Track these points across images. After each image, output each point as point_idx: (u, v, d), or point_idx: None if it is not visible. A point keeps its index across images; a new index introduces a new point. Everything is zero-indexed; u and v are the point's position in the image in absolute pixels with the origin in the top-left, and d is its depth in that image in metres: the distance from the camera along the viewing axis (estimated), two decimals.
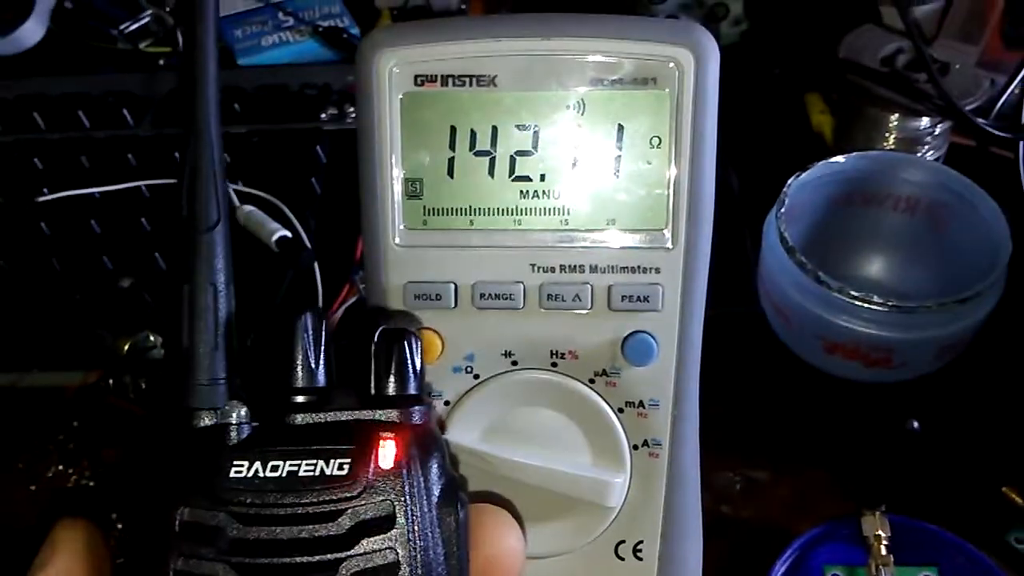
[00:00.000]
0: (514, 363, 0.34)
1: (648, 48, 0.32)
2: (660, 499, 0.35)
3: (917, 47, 0.66)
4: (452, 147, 0.33)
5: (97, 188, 0.72)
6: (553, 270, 0.33)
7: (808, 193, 0.64)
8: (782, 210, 0.60)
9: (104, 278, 0.68)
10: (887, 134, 0.71)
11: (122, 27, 0.90)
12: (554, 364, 0.34)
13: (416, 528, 0.24)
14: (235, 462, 0.24)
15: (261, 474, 0.24)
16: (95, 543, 0.26)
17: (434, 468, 0.26)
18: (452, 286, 0.33)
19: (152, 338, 0.61)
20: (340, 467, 0.24)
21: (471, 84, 0.32)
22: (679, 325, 0.33)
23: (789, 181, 0.62)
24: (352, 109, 0.76)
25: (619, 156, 0.33)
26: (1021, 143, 0.67)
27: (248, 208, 0.68)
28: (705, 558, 0.36)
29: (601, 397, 0.34)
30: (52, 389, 0.62)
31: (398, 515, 0.24)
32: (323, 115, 0.77)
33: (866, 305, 0.56)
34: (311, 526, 0.24)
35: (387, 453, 0.25)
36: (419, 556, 0.24)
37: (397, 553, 0.24)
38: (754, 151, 0.72)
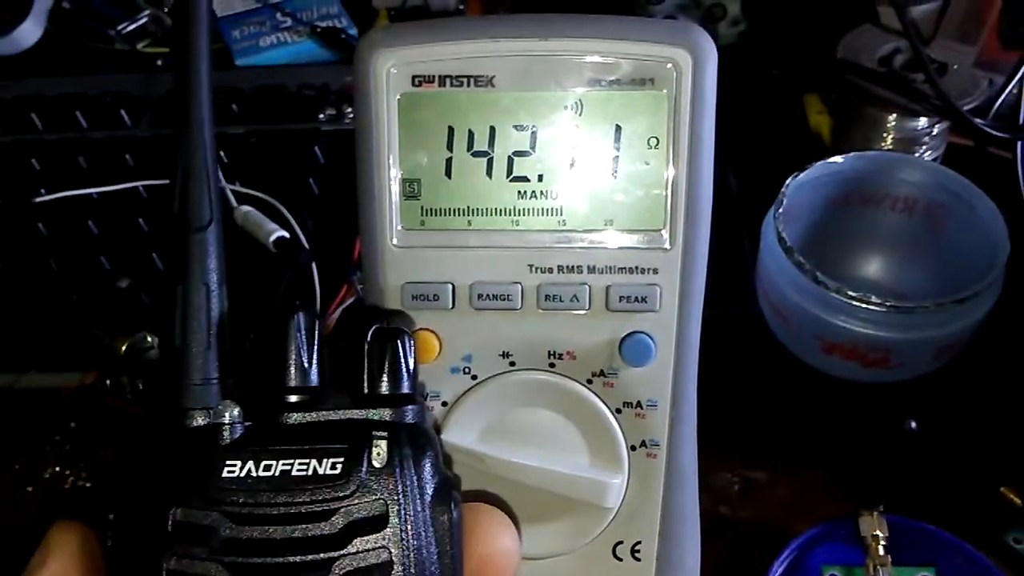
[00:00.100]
0: (512, 364, 0.34)
1: (646, 49, 0.32)
2: (658, 500, 0.35)
3: (915, 47, 0.66)
4: (450, 147, 0.33)
5: (95, 188, 0.72)
6: (551, 270, 0.33)
7: (806, 193, 0.64)
8: (780, 210, 0.60)
9: (101, 279, 0.68)
10: (885, 134, 0.71)
11: (120, 27, 0.90)
12: (552, 365, 0.34)
13: (409, 527, 0.24)
14: (228, 462, 0.24)
15: (254, 474, 0.24)
16: (90, 546, 0.26)
17: (427, 467, 0.25)
18: (450, 286, 0.33)
19: (149, 339, 0.61)
20: (333, 466, 0.24)
21: (469, 84, 0.32)
22: (677, 325, 0.33)
23: (787, 181, 0.62)
24: (350, 109, 0.76)
25: (617, 157, 0.33)
26: (1019, 143, 0.67)
27: (246, 208, 0.68)
28: (703, 558, 0.36)
29: (599, 398, 0.34)
30: (49, 390, 0.62)
31: (391, 514, 0.24)
32: (321, 115, 0.77)
33: (864, 305, 0.56)
34: (304, 525, 0.24)
35: (380, 452, 0.25)
36: (412, 555, 0.24)
37: (390, 552, 0.24)
38: (752, 151, 0.72)
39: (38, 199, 0.72)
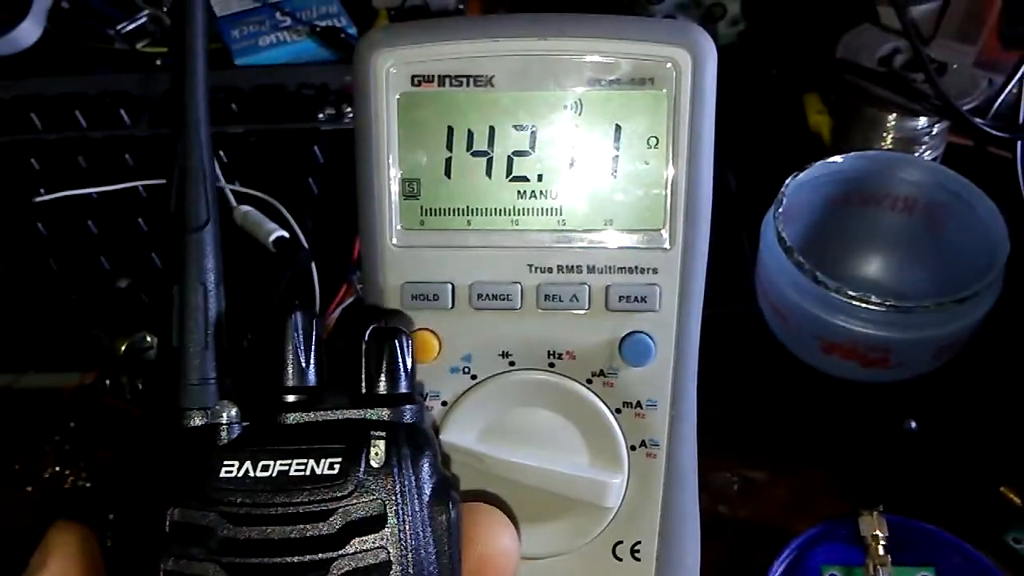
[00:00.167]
0: (511, 363, 0.34)
1: (645, 48, 0.32)
2: (658, 499, 0.35)
3: (915, 47, 0.66)
4: (449, 147, 0.33)
5: (94, 188, 0.72)
6: (550, 270, 0.33)
7: (806, 193, 0.64)
8: (780, 210, 0.60)
9: (101, 278, 0.68)
10: (885, 134, 0.71)
11: (119, 27, 0.90)
12: (551, 364, 0.34)
13: (407, 527, 0.24)
14: (225, 462, 0.24)
15: (252, 474, 0.24)
16: (89, 547, 0.26)
17: (425, 467, 0.25)
18: (449, 286, 0.33)
19: (149, 338, 0.61)
20: (331, 466, 0.24)
21: (468, 84, 0.32)
22: (677, 325, 0.33)
23: (787, 181, 0.62)
24: (349, 109, 0.76)
25: (616, 156, 0.33)
26: (1019, 143, 0.67)
27: (245, 208, 0.68)
28: (703, 558, 0.36)
29: (599, 397, 0.34)
30: (49, 390, 0.62)
31: (389, 514, 0.24)
32: (320, 115, 0.77)
33: (864, 305, 0.56)
34: (302, 526, 0.24)
35: (378, 452, 0.25)
36: (410, 555, 0.24)
37: (388, 552, 0.24)
38: (752, 151, 0.72)
39: (37, 199, 0.72)
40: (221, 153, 0.73)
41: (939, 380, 0.60)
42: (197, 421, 0.25)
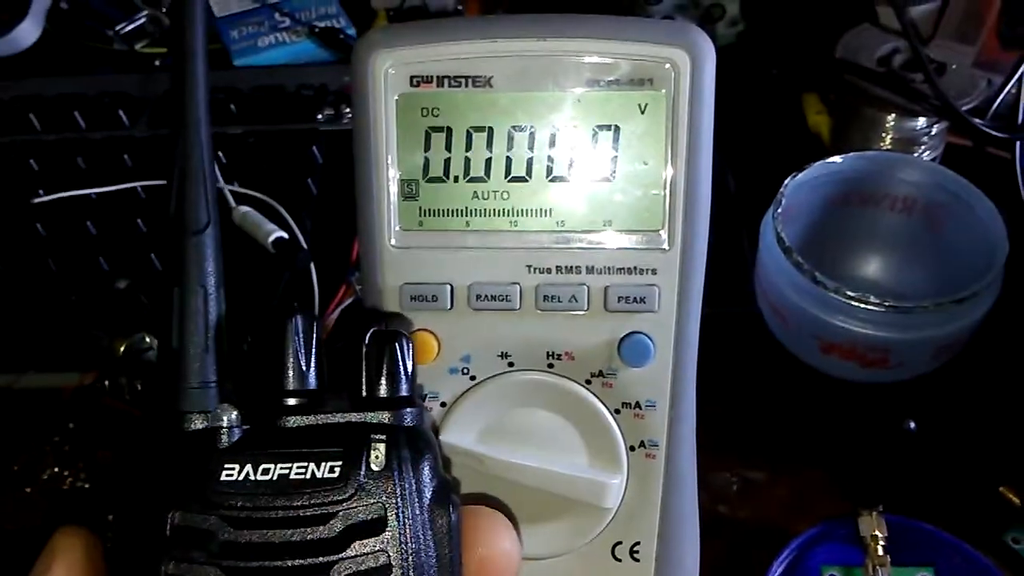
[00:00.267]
0: (510, 364, 0.34)
1: (644, 49, 0.32)
2: (657, 500, 0.35)
3: (914, 47, 0.66)
4: (448, 148, 0.33)
5: (93, 189, 0.72)
6: (549, 271, 0.33)
7: (805, 193, 0.64)
8: (779, 210, 0.60)
9: (100, 279, 0.68)
10: (884, 134, 0.71)
11: (118, 28, 0.90)
12: (550, 365, 0.34)
13: (408, 530, 0.24)
14: (226, 465, 0.24)
15: (252, 477, 0.24)
16: (93, 552, 0.26)
17: (426, 470, 0.25)
18: (448, 287, 0.33)
19: (148, 339, 0.61)
20: (331, 470, 0.24)
21: (467, 85, 0.32)
22: (676, 326, 0.33)
23: (786, 181, 0.62)
24: (348, 110, 0.76)
25: (615, 157, 0.32)
26: (1018, 143, 0.67)
27: (244, 209, 0.68)
28: (702, 559, 0.36)
29: (598, 398, 0.34)
30: (48, 391, 0.62)
31: (389, 517, 0.24)
32: (319, 116, 0.77)
33: (863, 305, 0.56)
34: (302, 529, 0.24)
35: (378, 455, 0.25)
36: (411, 558, 0.24)
37: (389, 555, 0.24)
38: (751, 151, 0.72)
39: (36, 200, 0.72)
40: (220, 154, 0.73)
41: (938, 380, 0.60)
42: (198, 424, 0.25)
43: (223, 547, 0.23)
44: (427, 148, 0.33)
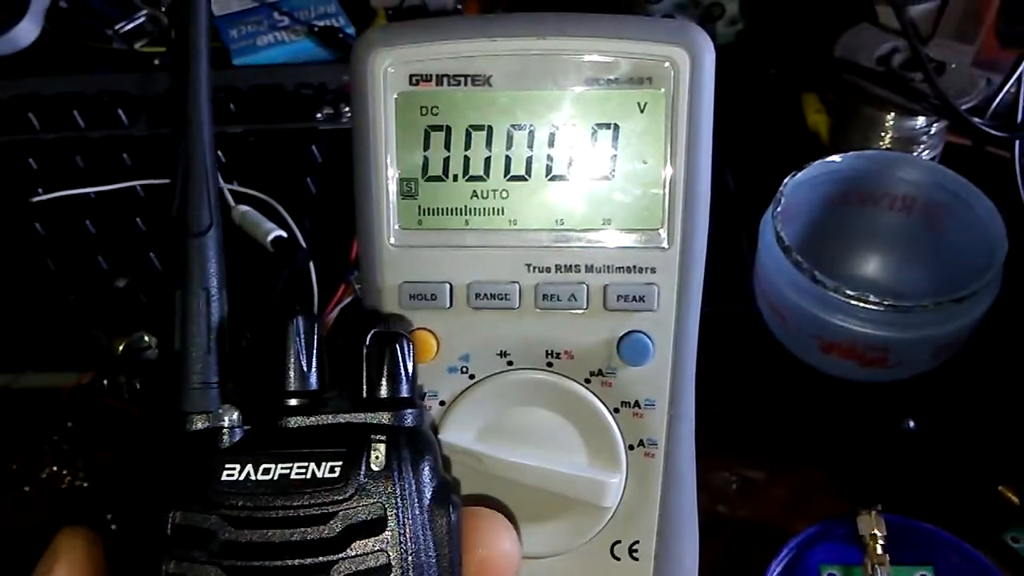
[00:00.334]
0: (510, 363, 0.34)
1: (644, 48, 0.32)
2: (656, 499, 0.35)
3: (913, 46, 0.66)
4: (447, 147, 0.33)
5: (92, 188, 0.72)
6: (548, 270, 0.33)
7: (804, 192, 0.64)
8: (778, 209, 0.60)
9: (99, 278, 0.68)
10: (883, 133, 0.71)
11: (117, 27, 0.90)
12: (550, 364, 0.34)
13: (407, 531, 0.24)
14: (227, 465, 0.24)
15: (253, 477, 0.24)
16: (95, 553, 0.26)
17: (426, 471, 0.26)
18: (447, 286, 0.33)
19: (147, 338, 0.61)
20: (331, 470, 0.24)
21: (466, 84, 0.32)
22: (675, 325, 0.33)
23: (785, 180, 0.62)
24: (347, 109, 0.76)
25: (615, 156, 0.32)
26: (1017, 142, 0.67)
27: (243, 208, 0.68)
28: (701, 558, 0.36)
29: (597, 397, 0.34)
30: (47, 390, 0.62)
31: (389, 518, 0.24)
32: (318, 115, 0.77)
33: (862, 304, 0.56)
34: (303, 529, 0.24)
35: (378, 456, 0.25)
36: (410, 558, 0.24)
37: (388, 555, 0.24)
38: (750, 150, 0.72)
39: (35, 199, 0.72)
40: (219, 153, 0.73)
41: (937, 379, 0.60)
42: (199, 425, 0.25)
43: (224, 547, 0.23)
44: (426, 147, 0.33)
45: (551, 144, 0.33)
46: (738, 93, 0.71)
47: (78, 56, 0.89)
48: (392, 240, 0.33)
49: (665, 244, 0.33)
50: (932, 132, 0.71)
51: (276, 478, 0.24)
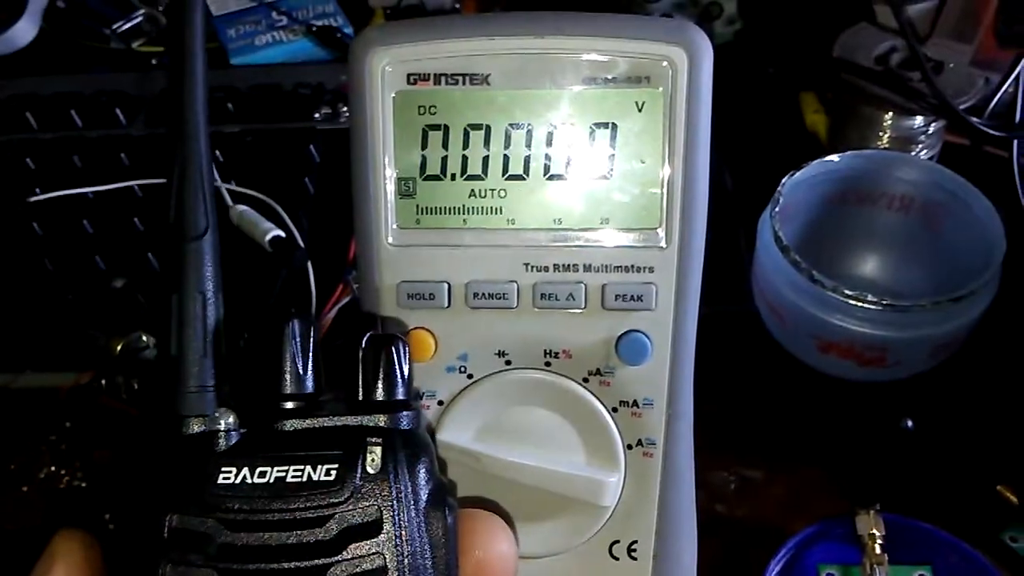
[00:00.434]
0: (508, 363, 0.34)
1: (642, 47, 0.32)
2: (654, 498, 0.35)
3: (911, 46, 0.66)
4: (445, 146, 0.33)
5: (90, 188, 0.72)
6: (547, 269, 0.33)
7: (802, 192, 0.64)
8: (776, 209, 0.60)
9: (97, 278, 0.68)
10: (881, 133, 0.71)
11: (115, 26, 0.90)
12: (548, 363, 0.34)
13: (403, 533, 0.24)
14: (223, 469, 0.24)
15: (249, 480, 0.24)
16: (93, 555, 0.26)
17: (422, 473, 0.26)
18: (445, 285, 0.33)
19: (145, 338, 0.61)
20: (327, 473, 0.24)
21: (464, 83, 0.32)
22: (673, 324, 0.33)
23: (783, 180, 0.62)
24: (345, 108, 0.76)
25: (613, 155, 0.32)
26: (1015, 142, 0.67)
27: (241, 208, 0.68)
28: (699, 557, 0.36)
29: (595, 396, 0.34)
30: (45, 390, 0.62)
31: (385, 520, 0.24)
32: (316, 114, 0.77)
33: (860, 304, 0.56)
34: (299, 531, 0.24)
35: (374, 458, 0.25)
36: (407, 561, 0.24)
37: (384, 558, 0.24)
38: (748, 150, 0.72)
39: (33, 198, 0.72)
40: (217, 152, 0.73)
41: (936, 379, 0.60)
42: (195, 428, 0.25)
43: (220, 549, 0.23)
44: (424, 146, 0.33)
45: (549, 143, 0.32)
46: (736, 92, 0.71)
47: (76, 56, 0.89)
48: (390, 239, 0.33)
49: (663, 243, 0.33)
50: (930, 132, 0.71)
51: (272, 481, 0.24)
